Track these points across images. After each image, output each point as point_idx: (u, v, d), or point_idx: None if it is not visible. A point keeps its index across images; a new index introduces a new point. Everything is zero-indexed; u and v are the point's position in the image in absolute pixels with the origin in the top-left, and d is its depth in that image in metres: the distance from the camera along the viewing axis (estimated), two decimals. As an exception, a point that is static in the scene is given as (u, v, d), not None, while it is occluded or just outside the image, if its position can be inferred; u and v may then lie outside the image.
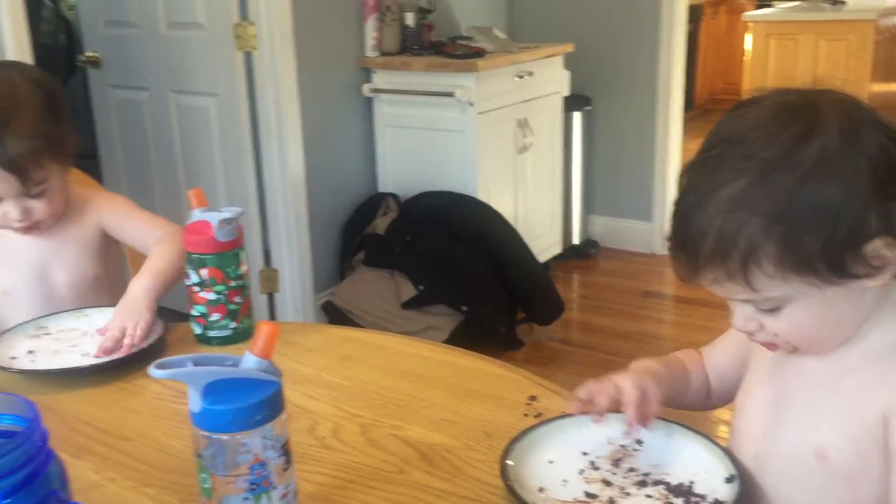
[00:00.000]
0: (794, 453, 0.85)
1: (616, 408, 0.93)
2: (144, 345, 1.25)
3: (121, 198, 1.53)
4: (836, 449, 0.82)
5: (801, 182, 0.74)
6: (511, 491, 0.85)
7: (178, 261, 1.35)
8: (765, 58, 5.96)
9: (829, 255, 0.74)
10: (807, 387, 0.85)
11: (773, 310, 0.79)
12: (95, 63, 3.23)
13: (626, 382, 0.92)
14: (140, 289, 1.31)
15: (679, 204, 0.80)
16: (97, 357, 1.24)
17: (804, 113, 0.77)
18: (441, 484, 0.92)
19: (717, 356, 1.03)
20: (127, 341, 1.24)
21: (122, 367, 1.21)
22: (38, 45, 4.16)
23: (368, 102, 3.28)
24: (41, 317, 1.36)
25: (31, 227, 1.37)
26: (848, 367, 0.82)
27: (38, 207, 1.35)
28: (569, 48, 3.52)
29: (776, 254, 0.75)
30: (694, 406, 1.03)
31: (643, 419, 0.92)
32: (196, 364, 0.78)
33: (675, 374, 1.00)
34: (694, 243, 0.77)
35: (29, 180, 1.30)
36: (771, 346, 0.85)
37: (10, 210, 1.33)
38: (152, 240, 1.42)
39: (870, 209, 0.74)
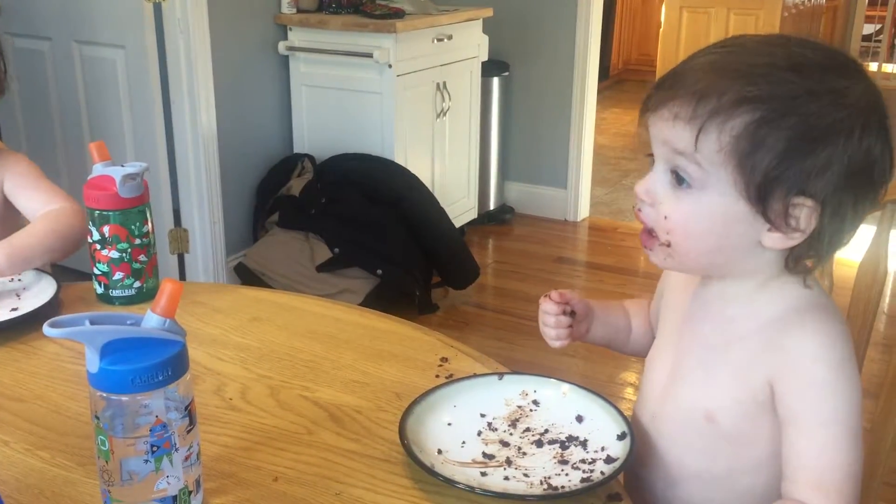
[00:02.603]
0: (686, 416, 0.88)
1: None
2: (38, 304, 1.18)
3: (26, 161, 1.44)
4: (723, 412, 0.85)
5: (813, 96, 0.75)
6: (409, 453, 0.85)
7: (54, 240, 1.29)
8: (678, 30, 6.05)
9: (772, 171, 0.75)
10: (701, 352, 0.88)
11: (685, 188, 0.79)
12: (-8, 9, 3.05)
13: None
14: None
15: (698, 52, 0.81)
16: None
17: (849, 60, 0.79)
18: (350, 445, 0.91)
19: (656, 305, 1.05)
20: None
21: (15, 327, 1.15)
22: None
23: (284, 60, 3.20)
24: None
25: None
26: (737, 334, 0.85)
27: None
28: (488, 13, 3.51)
29: (740, 131, 0.75)
30: (640, 353, 1.05)
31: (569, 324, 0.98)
32: (93, 323, 0.75)
33: (611, 320, 1.03)
34: (686, 76, 0.78)
35: None
36: (648, 234, 0.84)
37: None
38: (41, 212, 1.35)
39: (828, 172, 0.75)
